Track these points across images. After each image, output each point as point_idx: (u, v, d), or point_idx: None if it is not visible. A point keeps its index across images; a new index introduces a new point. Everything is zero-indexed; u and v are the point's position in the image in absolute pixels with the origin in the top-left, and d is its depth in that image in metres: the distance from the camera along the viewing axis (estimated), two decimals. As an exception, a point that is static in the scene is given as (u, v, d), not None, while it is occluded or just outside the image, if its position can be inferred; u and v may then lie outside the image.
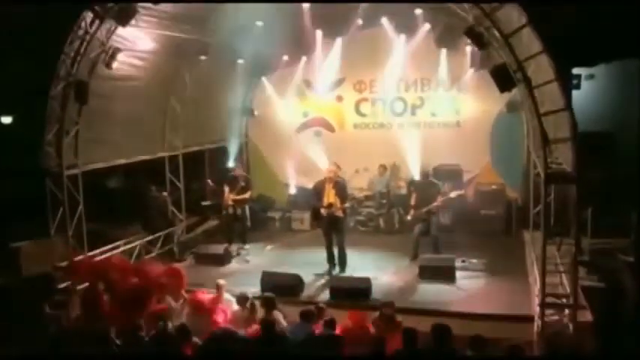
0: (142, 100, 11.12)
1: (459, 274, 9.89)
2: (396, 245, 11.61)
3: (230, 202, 11.63)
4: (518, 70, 7.70)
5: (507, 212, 12.49)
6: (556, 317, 7.76)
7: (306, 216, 13.17)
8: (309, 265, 10.40)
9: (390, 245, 11.73)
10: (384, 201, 13.14)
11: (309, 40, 12.70)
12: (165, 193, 12.46)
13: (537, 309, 7.81)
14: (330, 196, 10.16)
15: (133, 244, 11.07)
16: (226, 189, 11.71)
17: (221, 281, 8.51)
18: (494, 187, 12.82)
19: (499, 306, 8.58)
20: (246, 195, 11.70)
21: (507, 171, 12.98)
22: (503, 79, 7.78)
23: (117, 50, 9.44)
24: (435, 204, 10.60)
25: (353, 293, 8.90)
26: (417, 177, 12.29)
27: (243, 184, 11.71)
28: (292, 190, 14.06)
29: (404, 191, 13.25)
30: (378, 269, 10.18)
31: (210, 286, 8.74)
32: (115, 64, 9.50)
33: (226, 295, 8.28)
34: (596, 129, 9.68)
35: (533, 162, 10.33)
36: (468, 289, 9.43)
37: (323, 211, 10.20)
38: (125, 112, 10.69)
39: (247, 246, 11.83)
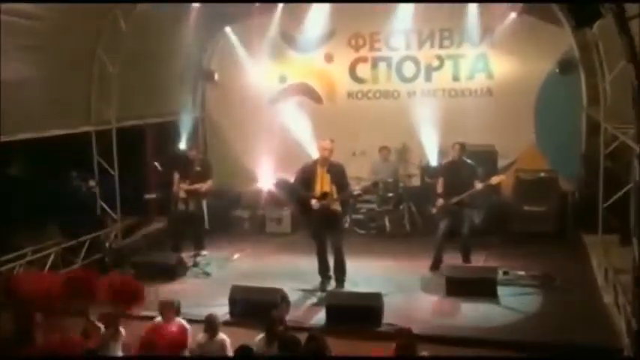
0: (58, 51, 10.42)
1: (501, 290, 9.39)
2: (408, 252, 11.37)
3: (182, 195, 11.19)
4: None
5: (560, 209, 12.09)
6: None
7: (286, 214, 13.02)
8: (293, 278, 10.04)
9: (399, 252, 11.46)
10: (391, 194, 12.72)
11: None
12: (92, 183, 12.06)
13: (626, 340, 7.33)
14: (324, 184, 9.62)
15: (45, 252, 10.51)
16: (176, 176, 11.30)
17: (168, 300, 7.92)
18: (541, 175, 12.36)
19: (566, 334, 8.00)
20: (205, 184, 11.25)
21: (559, 154, 12.60)
22: (584, 7, 7.07)
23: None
24: (468, 192, 10.12)
25: (358, 315, 8.39)
26: (433, 163, 12.32)
27: (199, 168, 11.27)
28: (264, 183, 13.75)
29: (417, 181, 13.04)
30: (386, 283, 9.73)
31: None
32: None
33: (179, 320, 7.72)
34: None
35: (604, 138, 10.03)
36: (518, 310, 8.87)
37: (314, 203, 9.57)
38: (32, 67, 10.07)
39: (205, 252, 11.43)
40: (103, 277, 8.45)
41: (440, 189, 10.45)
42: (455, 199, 10.16)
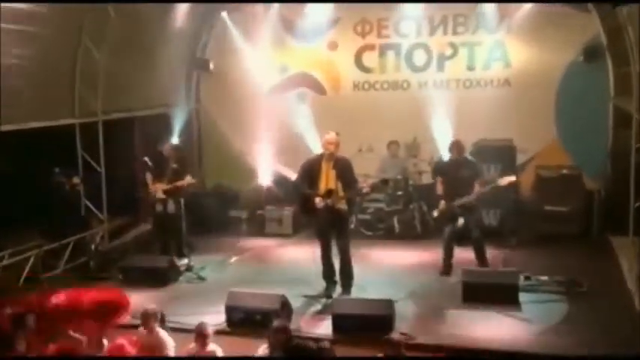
0: (39, 35, 10.35)
1: (522, 296, 9.26)
2: (419, 255, 11.37)
3: (160, 195, 11.19)
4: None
5: (585, 208, 12.04)
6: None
7: (286, 214, 13.01)
8: (295, 283, 10.00)
9: (409, 255, 11.47)
10: (400, 193, 12.66)
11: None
12: (76, 180, 11.95)
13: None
14: (329, 180, 9.49)
15: (24, 256, 10.45)
16: (149, 177, 11.40)
17: (150, 307, 7.75)
18: (564, 172, 12.27)
19: (595, 346, 7.79)
20: (184, 181, 11.19)
21: (583, 149, 12.53)
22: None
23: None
24: (471, 195, 10.07)
25: (367, 324, 8.28)
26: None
27: (175, 165, 11.28)
28: (264, 180, 13.82)
29: (428, 179, 12.86)
30: (397, 289, 9.69)
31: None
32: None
33: (161, 332, 7.60)
34: None
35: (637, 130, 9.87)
36: (542, 319, 8.70)
37: (318, 201, 9.43)
38: (9, 53, 9.81)
39: (185, 260, 11.24)
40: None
41: (439, 190, 10.43)
42: (458, 202, 10.09)
